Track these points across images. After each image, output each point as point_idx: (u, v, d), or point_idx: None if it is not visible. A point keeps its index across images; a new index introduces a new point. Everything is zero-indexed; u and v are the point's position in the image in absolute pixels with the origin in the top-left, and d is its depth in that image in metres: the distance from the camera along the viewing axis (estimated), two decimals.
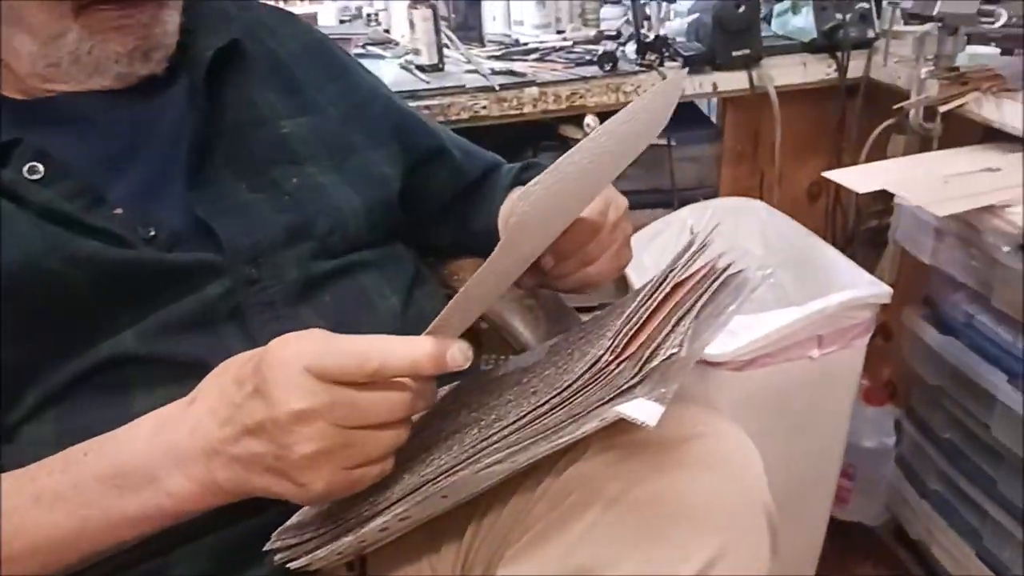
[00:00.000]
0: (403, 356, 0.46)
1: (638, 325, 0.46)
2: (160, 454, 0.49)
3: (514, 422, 0.46)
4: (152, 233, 0.63)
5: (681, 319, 0.47)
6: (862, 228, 1.51)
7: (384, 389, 0.46)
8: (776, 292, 1.41)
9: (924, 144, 1.34)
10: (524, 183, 0.85)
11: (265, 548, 0.56)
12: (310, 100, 0.76)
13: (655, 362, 0.44)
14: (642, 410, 0.42)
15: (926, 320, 1.31)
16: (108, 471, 0.50)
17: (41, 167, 0.62)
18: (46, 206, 0.61)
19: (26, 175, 0.61)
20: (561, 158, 0.48)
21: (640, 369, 0.44)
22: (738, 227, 1.46)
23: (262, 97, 0.73)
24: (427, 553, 0.67)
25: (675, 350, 0.44)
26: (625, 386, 0.44)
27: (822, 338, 1.16)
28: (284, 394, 0.45)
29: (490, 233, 0.83)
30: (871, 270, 1.51)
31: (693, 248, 0.55)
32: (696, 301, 0.50)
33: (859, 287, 1.17)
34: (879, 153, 1.42)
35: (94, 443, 0.52)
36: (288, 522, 0.58)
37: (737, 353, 1.12)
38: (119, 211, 0.63)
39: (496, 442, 0.46)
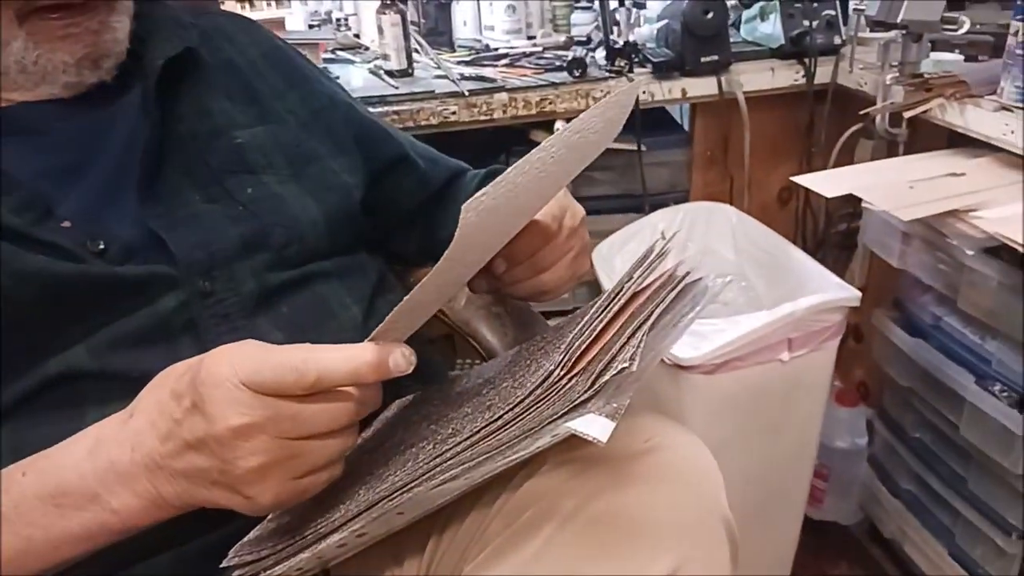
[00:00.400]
0: (342, 366, 0.45)
1: (591, 338, 0.46)
2: (101, 471, 0.48)
3: (468, 438, 0.45)
4: (102, 246, 0.62)
5: (636, 331, 0.46)
6: (832, 232, 1.52)
7: (325, 400, 0.46)
8: (747, 295, 1.41)
9: (891, 149, 1.36)
10: None
11: (222, 565, 0.55)
12: (268, 108, 0.75)
13: (606, 376, 0.43)
14: (594, 426, 0.42)
15: (895, 322, 1.32)
16: (48, 490, 0.49)
17: None
18: None
19: None
20: (511, 168, 0.47)
21: (592, 384, 0.44)
22: (709, 231, 1.47)
23: (218, 106, 0.72)
24: (391, 566, 0.66)
25: (626, 364, 0.43)
26: (577, 400, 0.44)
27: (792, 341, 1.16)
28: (222, 410, 0.44)
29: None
30: (841, 273, 1.52)
31: (650, 258, 0.55)
32: (652, 311, 0.49)
33: (828, 290, 1.18)
34: (847, 158, 1.44)
35: (31, 462, 0.51)
36: (246, 537, 0.57)
37: (708, 357, 1.12)
38: (67, 224, 0.62)
39: (450, 459, 0.46)
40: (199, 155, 0.68)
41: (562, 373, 0.44)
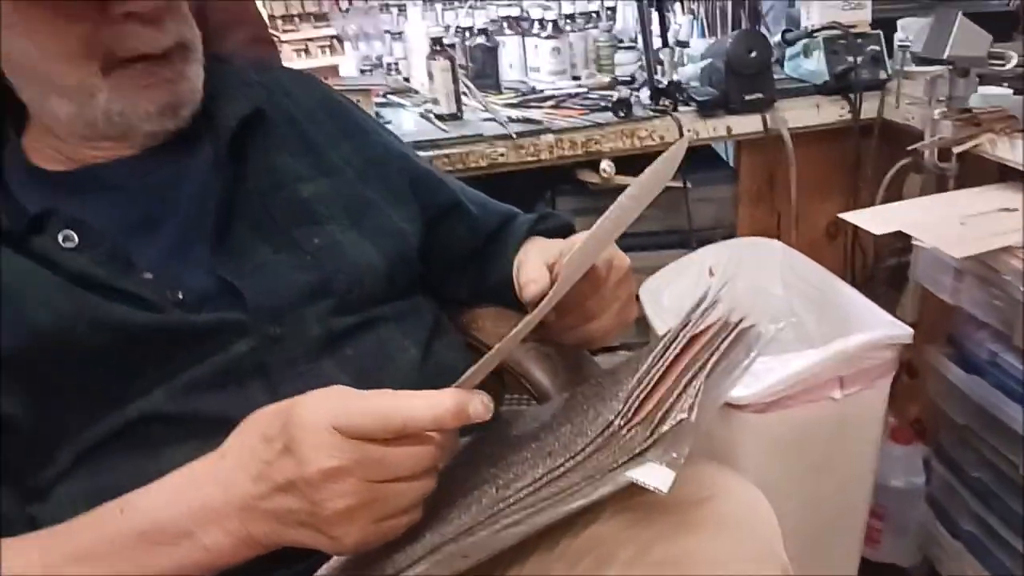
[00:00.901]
0: (426, 412, 0.48)
1: (649, 387, 0.48)
2: (195, 510, 0.51)
3: (531, 483, 0.47)
4: (180, 296, 0.66)
5: (692, 380, 0.48)
6: (881, 267, 1.50)
7: (409, 444, 0.48)
8: (797, 332, 1.41)
9: (941, 183, 1.35)
10: (539, 233, 0.87)
11: None
12: (327, 160, 0.78)
13: (665, 427, 0.45)
14: (654, 476, 0.43)
15: (950, 359, 1.30)
16: (143, 527, 0.52)
17: (75, 235, 0.65)
18: (78, 272, 0.64)
19: (60, 242, 0.64)
20: (599, 221, 0.50)
21: (651, 434, 0.45)
22: (756, 267, 1.47)
23: (282, 161, 0.75)
24: None
25: (684, 415, 0.45)
26: (637, 450, 0.45)
27: (844, 379, 1.16)
28: (313, 453, 0.47)
29: (506, 283, 0.85)
30: (892, 308, 1.50)
31: (704, 303, 0.56)
32: (708, 359, 0.51)
33: (879, 328, 1.17)
34: (896, 192, 1.43)
35: (127, 499, 0.54)
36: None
37: (759, 395, 1.12)
38: (148, 276, 0.66)
39: (513, 503, 0.47)
40: (266, 209, 0.72)
41: (622, 423, 0.46)
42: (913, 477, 1.46)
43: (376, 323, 0.75)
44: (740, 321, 0.58)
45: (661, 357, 0.50)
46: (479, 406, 0.48)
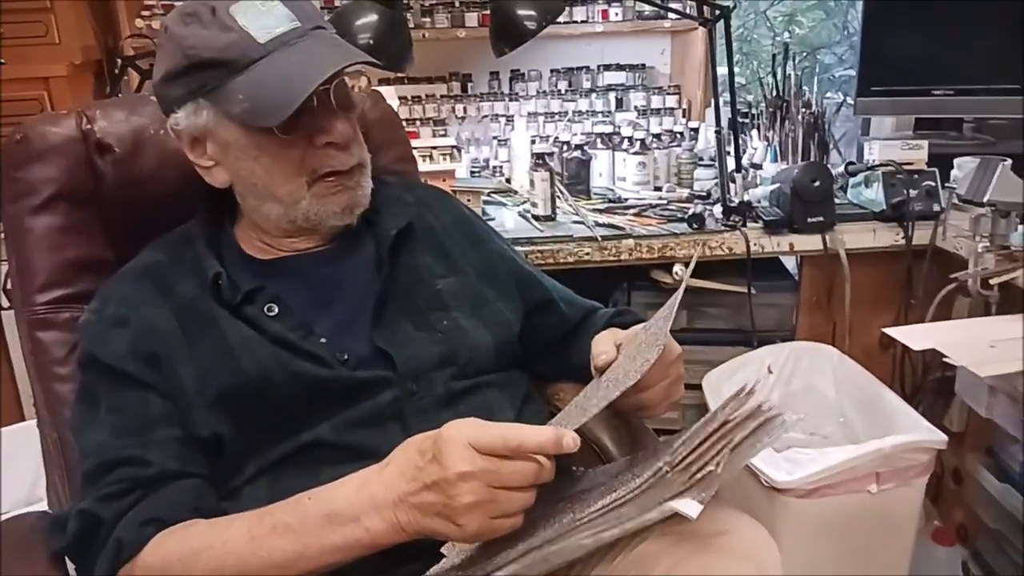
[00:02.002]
0: (534, 437, 0.67)
1: (691, 447, 0.66)
2: (363, 501, 0.71)
3: (600, 509, 0.66)
4: (346, 357, 0.88)
5: (722, 445, 0.66)
6: (929, 378, 1.63)
7: (520, 462, 0.66)
8: (844, 431, 1.55)
9: (986, 308, 1.49)
10: (616, 326, 1.05)
11: None
12: (456, 263, 1.01)
13: (700, 475, 0.64)
14: (688, 507, 0.62)
15: (987, 467, 1.42)
16: (325, 511, 0.72)
17: (275, 307, 0.89)
18: (277, 335, 0.87)
19: (265, 312, 0.88)
20: (661, 320, 0.70)
21: (689, 479, 0.64)
22: (812, 369, 1.63)
23: (423, 261, 0.99)
24: None
25: (712, 468, 0.63)
26: (678, 490, 0.64)
27: (880, 475, 1.29)
28: (452, 460, 0.66)
29: (584, 367, 1.04)
30: (940, 418, 1.63)
31: (741, 395, 0.75)
32: (736, 435, 0.69)
33: (916, 432, 1.31)
34: (945, 312, 1.57)
35: (315, 492, 0.74)
36: (429, 571, 0.78)
37: (801, 482, 1.27)
38: (324, 340, 0.89)
39: (587, 522, 0.66)
40: (411, 297, 0.95)
41: (668, 469, 0.65)
42: None
43: (484, 388, 0.95)
44: (769, 410, 0.75)
45: (702, 429, 0.69)
46: (569, 440, 0.67)
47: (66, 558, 0.83)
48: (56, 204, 1.01)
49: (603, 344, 0.89)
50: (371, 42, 1.49)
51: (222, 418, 0.84)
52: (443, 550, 0.78)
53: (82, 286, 1.02)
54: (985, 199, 1.35)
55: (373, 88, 1.37)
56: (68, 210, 1.02)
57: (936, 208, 1.60)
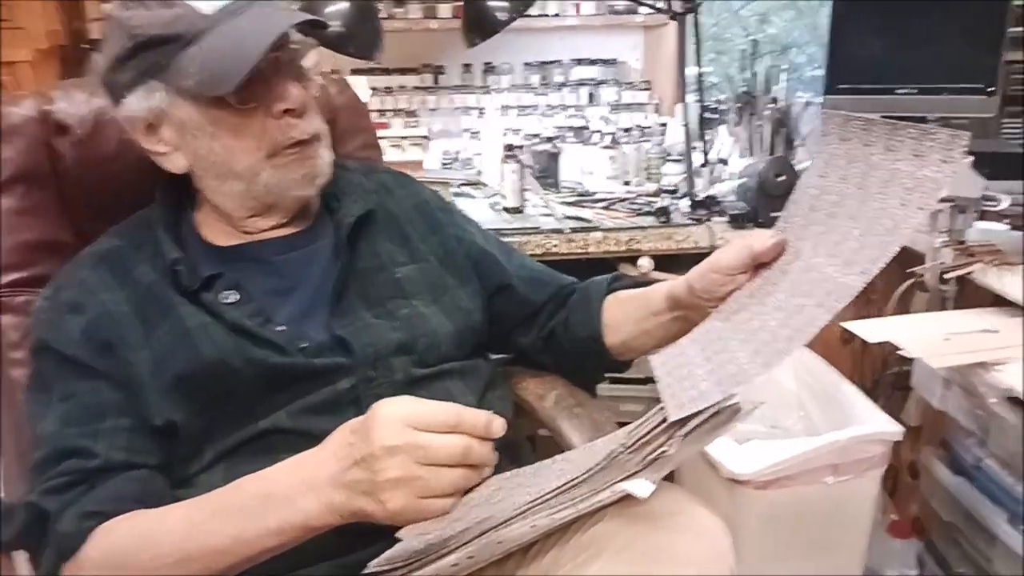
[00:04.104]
0: (468, 415, 0.67)
1: (647, 430, 0.67)
2: (297, 483, 0.70)
3: (554, 490, 0.66)
4: (304, 345, 0.88)
5: (677, 429, 0.67)
6: (888, 372, 1.66)
7: (449, 437, 0.66)
8: (804, 423, 1.57)
9: (944, 303, 1.52)
10: (618, 290, 1.05)
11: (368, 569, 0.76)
12: (417, 250, 1.01)
13: (652, 456, 0.64)
14: (639, 487, 0.63)
15: (941, 460, 1.45)
16: (261, 493, 0.72)
17: (234, 294, 0.88)
18: (235, 322, 0.86)
19: (223, 299, 0.88)
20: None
21: (642, 460, 0.65)
22: None
23: (383, 248, 0.98)
24: None
25: (665, 450, 0.64)
26: (632, 471, 0.65)
27: (837, 467, 1.32)
28: (380, 434, 0.65)
29: (593, 339, 1.03)
30: (898, 411, 1.66)
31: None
32: (690, 420, 0.70)
33: (872, 424, 1.33)
34: (904, 307, 1.60)
35: (252, 476, 0.74)
36: (379, 557, 0.79)
37: (759, 473, 1.29)
38: (282, 328, 0.88)
39: (541, 504, 0.67)
40: (370, 284, 0.95)
41: (621, 451, 0.66)
42: (907, 570, 1.58)
43: (444, 376, 0.96)
44: (727, 397, 0.76)
45: (659, 412, 0.70)
46: (498, 424, 0.68)
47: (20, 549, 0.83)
48: (13, 186, 1.00)
49: (756, 236, 0.81)
50: (341, 29, 1.49)
51: (178, 404, 0.84)
52: (399, 534, 0.78)
53: (40, 269, 1.01)
54: (943, 194, 1.37)
55: (341, 76, 1.37)
56: (26, 192, 1.01)
57: None
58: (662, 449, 0.65)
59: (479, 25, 1.59)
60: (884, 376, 1.66)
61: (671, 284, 0.93)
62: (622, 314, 1.02)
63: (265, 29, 0.82)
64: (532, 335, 1.09)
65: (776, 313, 0.76)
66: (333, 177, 0.98)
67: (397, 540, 0.79)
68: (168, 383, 0.84)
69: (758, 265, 0.81)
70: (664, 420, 0.69)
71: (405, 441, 0.65)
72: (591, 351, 1.04)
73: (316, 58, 0.95)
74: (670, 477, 0.73)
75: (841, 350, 1.73)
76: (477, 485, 0.74)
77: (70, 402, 0.83)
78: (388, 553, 0.78)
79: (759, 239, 0.80)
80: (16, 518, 0.78)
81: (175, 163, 0.90)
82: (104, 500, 0.77)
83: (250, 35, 0.82)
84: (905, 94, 1.96)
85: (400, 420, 0.67)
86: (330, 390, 0.88)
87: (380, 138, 1.33)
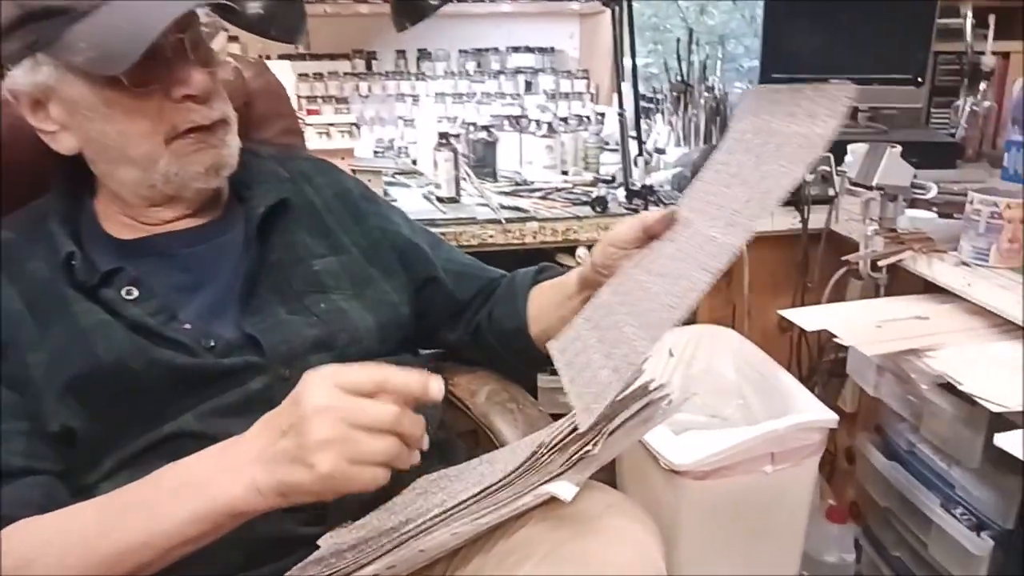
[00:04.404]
0: (399, 376, 0.62)
1: (569, 431, 0.64)
2: (215, 467, 0.65)
3: (476, 495, 0.63)
4: (212, 344, 0.82)
5: (602, 427, 0.64)
6: (825, 360, 1.67)
7: (380, 402, 0.61)
8: (743, 412, 1.57)
9: (877, 290, 1.53)
10: (540, 282, 1.03)
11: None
12: (337, 241, 0.96)
13: (575, 457, 0.61)
14: (562, 489, 0.59)
15: (876, 446, 1.46)
16: (173, 484, 0.66)
17: (135, 290, 0.82)
18: (136, 320, 0.80)
19: (123, 295, 0.81)
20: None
21: (566, 461, 0.61)
22: (712, 352, 1.64)
23: (300, 239, 0.93)
24: None
25: (589, 449, 0.61)
26: (555, 473, 0.61)
27: (775, 455, 1.31)
28: (310, 396, 0.60)
29: (520, 331, 1.01)
30: (834, 398, 1.67)
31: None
32: (617, 415, 0.67)
33: (809, 412, 1.33)
34: (840, 295, 1.61)
35: (166, 467, 0.68)
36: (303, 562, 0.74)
37: (698, 464, 1.27)
38: (188, 326, 0.82)
39: (462, 510, 0.63)
40: (285, 278, 0.89)
41: (544, 452, 0.62)
42: (845, 554, 1.59)
43: None
44: (655, 391, 0.74)
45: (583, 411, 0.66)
46: (436, 384, 0.62)
47: None
48: None
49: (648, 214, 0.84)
50: (262, 11, 1.42)
51: (74, 409, 0.78)
52: (319, 542, 0.74)
53: None
54: (874, 183, 1.38)
55: (259, 59, 1.30)
56: None
57: (831, 192, 1.64)
58: (586, 449, 0.62)
59: (409, 9, 1.54)
60: (821, 363, 1.67)
61: (581, 267, 0.92)
62: (544, 303, 0.99)
63: (165, 7, 0.76)
64: (459, 331, 1.06)
65: (659, 280, 0.75)
66: (245, 165, 0.92)
67: (315, 549, 0.74)
68: (63, 386, 0.77)
69: (650, 237, 0.82)
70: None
71: (336, 402, 0.61)
72: (518, 344, 1.01)
73: (224, 40, 0.89)
74: (607, 468, 0.70)
75: (778, 338, 1.73)
76: (399, 486, 0.70)
77: None
78: (301, 565, 0.73)
79: (652, 213, 0.82)
80: None
81: (64, 143, 0.84)
82: (7, 504, 0.71)
83: (148, 13, 0.75)
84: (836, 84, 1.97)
85: (329, 381, 0.62)
86: (241, 391, 0.82)
87: (308, 125, 1.27)
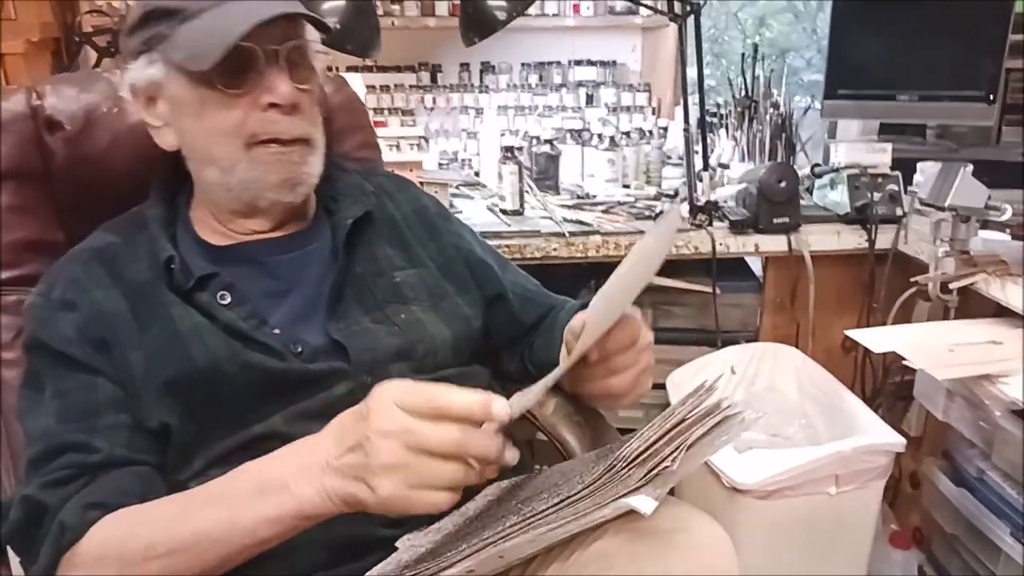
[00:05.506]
0: (461, 401, 0.63)
1: (648, 443, 0.65)
2: (293, 469, 0.68)
3: (555, 504, 0.64)
4: (299, 349, 0.85)
5: (679, 442, 0.65)
6: (889, 382, 1.65)
7: (444, 425, 0.62)
8: (806, 432, 1.56)
9: (946, 312, 1.50)
10: None
11: None
12: (416, 255, 0.99)
13: (655, 472, 0.62)
14: (643, 503, 0.60)
15: (943, 472, 1.44)
16: (255, 481, 0.69)
17: (229, 295, 0.86)
18: (229, 324, 0.84)
19: (218, 300, 0.85)
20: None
21: (644, 475, 0.62)
22: (775, 370, 1.63)
23: (382, 252, 0.96)
24: None
25: (668, 464, 0.62)
26: (633, 486, 0.62)
27: (839, 477, 1.30)
28: (376, 417, 0.62)
29: (554, 364, 1.03)
30: (898, 421, 1.65)
31: (700, 392, 0.74)
32: (693, 432, 0.68)
33: (875, 435, 1.31)
34: (906, 316, 1.59)
35: (247, 464, 0.72)
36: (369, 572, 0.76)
37: (761, 483, 1.27)
38: (277, 331, 0.86)
39: (540, 519, 0.65)
40: (368, 288, 0.92)
41: (623, 466, 0.63)
42: None
43: (442, 382, 0.93)
44: (727, 408, 0.75)
45: (660, 423, 0.68)
46: (501, 406, 0.63)
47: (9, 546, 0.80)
48: (3, 183, 0.97)
49: (574, 322, 0.83)
50: (337, 26, 1.46)
51: (170, 407, 0.81)
52: (397, 543, 0.76)
53: (30, 268, 0.98)
54: (946, 204, 1.36)
55: (339, 74, 1.35)
56: (16, 189, 0.98)
57: (899, 212, 1.62)
58: (664, 465, 0.63)
59: (477, 24, 1.56)
60: (886, 385, 1.65)
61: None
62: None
63: (257, 11, 0.80)
64: (516, 359, 1.08)
65: None
66: (331, 178, 0.96)
67: (394, 551, 0.77)
68: (159, 386, 0.81)
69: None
70: (666, 433, 0.67)
71: (399, 426, 0.62)
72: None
73: (326, 61, 0.93)
74: (673, 488, 0.71)
75: (842, 358, 1.71)
76: (475, 491, 0.71)
77: (65, 399, 0.81)
78: (380, 566, 0.75)
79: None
80: (10, 514, 0.76)
81: (166, 139, 0.89)
82: (106, 492, 0.75)
83: (241, 18, 0.80)
84: (906, 100, 1.94)
85: (395, 403, 0.63)
86: (326, 395, 0.85)
87: (380, 138, 1.31)
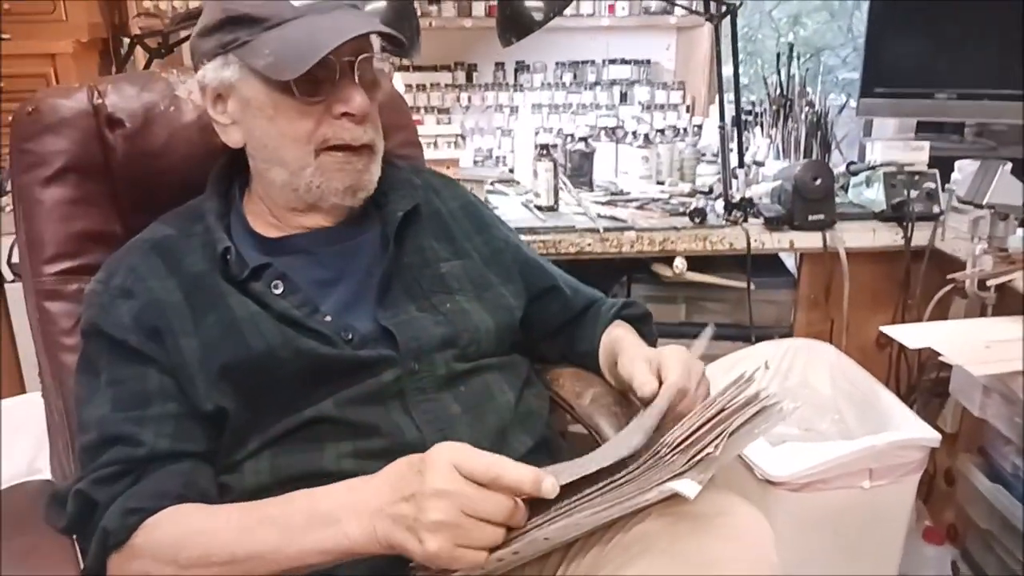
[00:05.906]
0: (514, 471, 0.67)
1: (691, 430, 0.67)
2: (346, 505, 0.71)
3: (600, 488, 0.67)
4: (350, 336, 0.89)
5: (721, 430, 0.68)
6: (925, 378, 1.65)
7: (497, 495, 0.67)
8: (839, 427, 1.56)
9: (982, 309, 1.50)
10: (623, 318, 1.08)
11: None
12: (461, 247, 1.02)
13: (698, 457, 0.65)
14: (687, 487, 0.63)
15: (979, 468, 1.44)
16: (310, 510, 0.73)
17: (282, 284, 0.89)
18: (283, 312, 0.88)
19: (271, 289, 0.89)
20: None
21: (688, 460, 0.65)
22: (809, 366, 1.64)
23: (428, 244, 1.00)
24: None
25: (711, 451, 0.65)
26: (678, 471, 0.65)
27: (873, 471, 1.31)
28: (433, 476, 0.66)
29: (591, 355, 1.07)
30: (933, 417, 1.64)
31: (740, 382, 0.76)
32: (734, 420, 0.70)
33: (909, 430, 1.32)
34: (942, 313, 1.59)
35: (305, 491, 0.75)
36: None
37: (795, 476, 1.28)
38: (328, 319, 0.90)
39: (585, 502, 0.67)
40: (415, 279, 0.96)
41: (667, 451, 0.66)
42: None
43: (484, 370, 0.96)
44: (766, 398, 0.77)
45: (702, 412, 0.70)
46: (549, 485, 0.66)
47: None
48: (66, 176, 1.02)
49: (642, 373, 0.88)
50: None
51: (226, 392, 0.85)
52: (412, 566, 0.78)
53: (90, 258, 1.02)
54: (984, 201, 1.36)
55: None
56: (78, 182, 1.03)
57: (936, 210, 1.62)
58: (707, 451, 0.65)
59: (514, 24, 1.59)
60: (921, 381, 1.65)
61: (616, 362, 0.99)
62: (610, 347, 1.05)
63: (342, 28, 0.85)
64: (559, 345, 1.12)
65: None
66: (382, 173, 0.99)
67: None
68: (216, 371, 0.85)
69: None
70: (708, 420, 0.70)
71: (455, 489, 0.66)
72: (585, 367, 1.08)
73: (390, 68, 0.97)
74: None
75: (877, 354, 1.71)
76: None
77: (119, 387, 0.85)
78: None
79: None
80: (67, 504, 0.80)
81: (232, 136, 0.93)
82: (146, 496, 0.79)
83: (327, 31, 0.84)
84: (944, 99, 1.94)
85: (452, 465, 0.67)
86: (375, 381, 0.89)
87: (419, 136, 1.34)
